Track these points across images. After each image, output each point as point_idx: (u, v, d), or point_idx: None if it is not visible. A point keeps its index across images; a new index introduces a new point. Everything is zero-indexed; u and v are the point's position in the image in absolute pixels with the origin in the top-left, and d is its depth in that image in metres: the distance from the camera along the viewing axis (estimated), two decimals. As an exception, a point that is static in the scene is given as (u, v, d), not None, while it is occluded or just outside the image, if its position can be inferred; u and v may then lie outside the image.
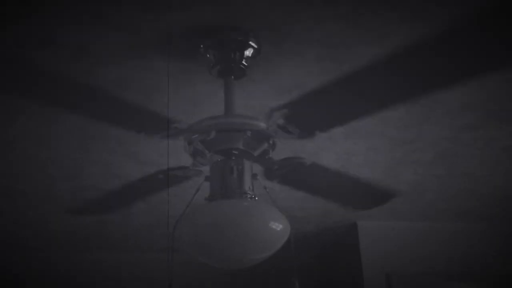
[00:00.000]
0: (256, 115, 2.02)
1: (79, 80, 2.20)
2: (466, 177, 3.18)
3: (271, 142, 1.91)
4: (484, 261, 3.83)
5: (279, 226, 1.78)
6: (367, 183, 2.40)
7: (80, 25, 1.89)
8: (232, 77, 1.99)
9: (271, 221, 1.78)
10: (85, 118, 2.32)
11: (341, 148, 2.80)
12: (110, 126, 1.89)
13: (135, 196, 2.42)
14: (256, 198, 1.87)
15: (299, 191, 2.39)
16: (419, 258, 3.78)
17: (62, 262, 4.25)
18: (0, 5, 1.79)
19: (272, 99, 2.36)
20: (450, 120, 2.58)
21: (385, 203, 2.54)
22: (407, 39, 2.02)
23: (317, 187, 2.29)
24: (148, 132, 1.91)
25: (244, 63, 1.97)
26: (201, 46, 1.96)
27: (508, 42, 2.05)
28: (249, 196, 1.85)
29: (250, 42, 1.95)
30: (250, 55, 1.97)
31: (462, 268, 3.79)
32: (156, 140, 2.65)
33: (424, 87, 1.78)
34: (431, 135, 2.71)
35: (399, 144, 2.79)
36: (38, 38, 1.95)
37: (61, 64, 2.09)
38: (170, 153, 2.78)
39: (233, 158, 1.88)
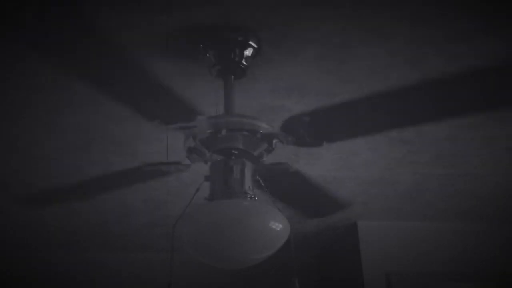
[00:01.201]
0: (255, 115, 2.02)
1: (79, 80, 2.21)
2: (466, 177, 3.18)
3: (274, 145, 1.91)
4: (484, 261, 3.83)
5: (279, 226, 1.78)
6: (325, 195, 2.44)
7: (80, 26, 1.88)
8: (232, 77, 1.99)
9: (271, 221, 1.78)
10: (85, 117, 2.33)
11: (341, 148, 2.80)
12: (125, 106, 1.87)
13: (116, 185, 2.42)
14: (256, 198, 1.87)
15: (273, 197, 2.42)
16: (419, 258, 3.78)
17: (62, 262, 4.25)
18: (0, 5, 1.79)
19: (272, 99, 2.36)
20: (450, 120, 2.58)
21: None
22: (407, 39, 2.02)
23: (284, 193, 2.30)
24: (162, 121, 1.90)
25: (244, 63, 1.97)
26: (201, 46, 1.96)
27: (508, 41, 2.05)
28: (249, 196, 1.85)
29: (250, 42, 1.95)
30: (250, 55, 1.97)
31: (462, 268, 3.79)
32: (155, 140, 2.66)
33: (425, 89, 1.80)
34: (431, 135, 2.71)
35: (399, 144, 2.79)
36: (38, 38, 1.94)
37: (60, 65, 2.09)
38: (169, 153, 2.78)
39: (233, 158, 1.88)
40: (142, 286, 4.26)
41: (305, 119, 1.80)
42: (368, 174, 3.10)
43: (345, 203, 2.72)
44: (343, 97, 2.34)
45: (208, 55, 1.96)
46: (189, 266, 4.19)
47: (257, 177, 1.92)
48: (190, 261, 4.26)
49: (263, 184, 1.91)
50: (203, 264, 1.91)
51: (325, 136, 1.90)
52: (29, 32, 1.92)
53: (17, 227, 3.75)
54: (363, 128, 1.90)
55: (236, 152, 1.89)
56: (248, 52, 1.97)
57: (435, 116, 1.96)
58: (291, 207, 2.44)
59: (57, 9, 1.81)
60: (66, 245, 4.13)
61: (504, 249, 3.88)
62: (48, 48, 2.01)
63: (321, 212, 2.64)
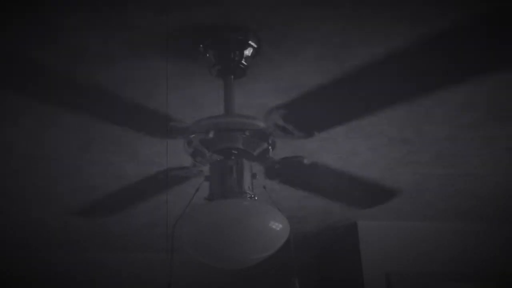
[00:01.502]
0: (254, 115, 2.02)
1: (78, 80, 2.21)
2: (466, 177, 3.18)
3: (270, 141, 1.91)
4: (484, 261, 3.83)
5: (278, 226, 1.78)
6: (368, 181, 2.39)
7: (79, 25, 1.89)
8: (232, 76, 1.99)
9: (271, 221, 1.78)
10: (84, 117, 2.33)
11: (341, 148, 2.80)
12: (111, 125, 1.89)
13: (135, 198, 2.42)
14: (256, 198, 1.87)
15: (300, 190, 2.39)
16: (419, 258, 3.78)
17: (62, 262, 4.25)
18: (0, 5, 1.79)
19: (272, 99, 2.36)
20: (450, 120, 2.58)
21: (386, 202, 2.52)
22: (407, 39, 2.02)
23: (318, 186, 2.28)
24: (148, 132, 1.91)
25: (244, 62, 1.97)
26: (201, 45, 1.96)
27: (508, 43, 2.05)
28: (248, 196, 1.85)
29: (250, 42, 1.95)
30: (249, 54, 1.97)
31: (462, 268, 3.79)
32: (155, 140, 2.66)
33: (424, 87, 1.78)
34: (431, 135, 2.71)
35: (399, 144, 2.79)
36: (38, 38, 1.95)
37: (60, 64, 2.09)
38: (169, 153, 2.78)
39: (233, 157, 1.88)
40: (142, 286, 4.26)
41: (281, 112, 1.80)
42: (368, 174, 3.10)
43: (396, 190, 2.64)
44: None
45: (208, 55, 1.96)
46: (189, 266, 4.19)
47: (263, 186, 1.92)
48: (190, 261, 4.25)
49: (268, 194, 1.91)
50: (203, 264, 1.91)
51: (312, 126, 1.88)
52: (29, 31, 1.92)
53: (17, 227, 3.75)
54: (349, 111, 1.86)
55: (235, 151, 1.89)
56: (248, 52, 1.97)
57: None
58: (334, 200, 2.42)
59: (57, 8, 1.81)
60: (66, 245, 4.13)
61: (504, 249, 3.88)
62: (49, 49, 2.01)
63: (374, 200, 2.57)
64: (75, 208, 3.46)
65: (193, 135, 1.89)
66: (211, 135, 1.86)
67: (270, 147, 1.93)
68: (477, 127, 2.66)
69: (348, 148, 2.81)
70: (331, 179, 2.25)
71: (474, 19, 1.94)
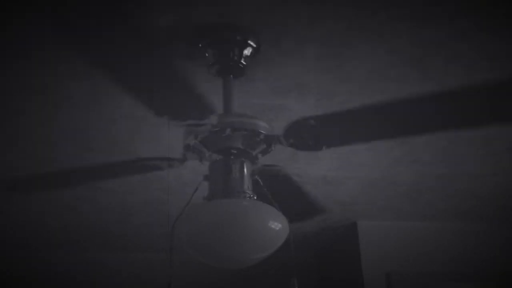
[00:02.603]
0: (254, 115, 2.02)
1: (78, 80, 2.21)
2: (466, 177, 3.18)
3: (272, 147, 1.91)
4: (484, 261, 3.83)
5: (278, 226, 1.78)
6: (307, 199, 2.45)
7: (79, 25, 1.88)
8: (231, 76, 1.99)
9: (271, 221, 1.78)
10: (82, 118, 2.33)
11: (341, 148, 2.80)
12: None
13: (110, 175, 2.42)
14: (255, 198, 1.87)
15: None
16: (419, 258, 3.78)
17: (62, 262, 4.25)
18: (0, 5, 1.80)
19: (271, 98, 2.36)
20: (450, 120, 2.58)
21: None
22: (407, 39, 2.02)
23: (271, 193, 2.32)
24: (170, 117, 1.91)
25: (243, 62, 1.97)
26: (200, 45, 1.96)
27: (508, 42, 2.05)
28: (248, 195, 1.85)
29: (249, 41, 1.95)
30: (249, 54, 1.97)
31: (462, 268, 3.79)
32: (154, 139, 2.66)
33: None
34: (429, 134, 2.70)
35: (398, 144, 2.79)
36: (37, 37, 1.95)
37: (60, 64, 2.10)
38: (167, 150, 2.78)
39: (232, 157, 1.88)
40: (142, 286, 4.26)
41: (311, 123, 1.80)
42: (368, 174, 3.10)
43: (324, 208, 2.70)
44: (343, 97, 2.35)
45: (207, 54, 1.96)
46: (189, 266, 4.19)
47: (256, 177, 1.92)
48: (190, 261, 4.25)
49: (261, 184, 1.91)
50: (203, 264, 1.91)
51: (325, 140, 1.90)
52: (29, 32, 1.92)
53: (17, 227, 3.75)
54: (362, 134, 1.90)
55: (235, 151, 1.89)
56: (247, 51, 1.97)
57: (437, 127, 1.96)
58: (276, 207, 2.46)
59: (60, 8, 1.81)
60: (66, 245, 4.13)
61: (504, 249, 3.88)
62: (49, 48, 2.01)
63: (301, 215, 2.64)
64: (75, 206, 3.46)
65: (192, 135, 1.89)
66: (210, 134, 1.86)
67: (270, 148, 1.93)
68: (477, 127, 2.65)
69: (348, 148, 2.80)
70: (285, 190, 2.29)
71: (474, 19, 1.94)
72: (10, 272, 4.16)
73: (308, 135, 1.84)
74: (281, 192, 2.24)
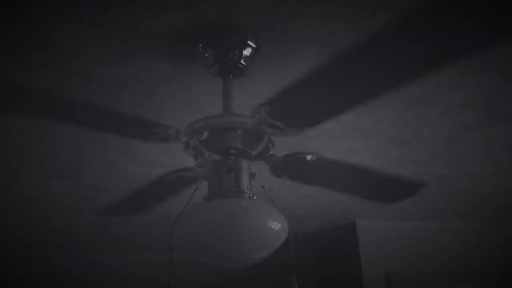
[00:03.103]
0: (247, 113, 2.01)
1: (78, 80, 2.21)
2: (466, 177, 3.18)
3: (265, 139, 1.91)
4: (484, 261, 3.83)
5: (277, 226, 1.78)
6: (388, 175, 2.24)
7: (78, 25, 1.89)
8: (231, 76, 1.99)
9: (270, 221, 1.77)
10: (79, 127, 2.33)
11: (340, 148, 2.80)
12: (105, 133, 1.88)
13: (149, 202, 2.41)
14: (254, 198, 1.87)
15: (308, 185, 2.31)
16: (419, 258, 3.78)
17: (62, 262, 4.25)
18: (0, 5, 1.80)
19: (271, 98, 2.36)
20: (449, 119, 2.58)
21: (414, 194, 2.39)
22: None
23: (325, 180, 2.23)
24: (143, 139, 1.90)
25: (243, 62, 1.97)
26: (200, 45, 1.96)
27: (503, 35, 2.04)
28: (247, 195, 1.85)
29: (249, 41, 1.95)
30: (248, 54, 1.97)
31: (461, 268, 3.80)
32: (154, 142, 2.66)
33: (414, 71, 1.77)
34: (430, 134, 2.71)
35: (398, 144, 2.80)
36: (36, 37, 1.95)
37: (59, 64, 2.10)
38: (167, 153, 2.78)
39: (231, 157, 1.88)
40: (142, 286, 4.27)
41: (265, 109, 1.79)
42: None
43: (419, 184, 2.44)
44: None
45: (206, 55, 1.96)
46: (189, 266, 4.19)
47: (262, 186, 1.92)
48: (190, 261, 4.26)
49: (267, 194, 1.91)
50: (203, 264, 1.92)
51: (302, 121, 1.87)
52: (29, 31, 1.92)
53: (17, 227, 3.75)
54: (337, 104, 1.83)
55: (234, 151, 1.89)
56: (246, 51, 1.97)
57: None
58: (357, 196, 2.32)
59: (58, 8, 1.81)
60: (66, 245, 4.14)
61: (504, 249, 3.88)
62: (49, 48, 2.02)
63: (396, 196, 2.44)
64: (76, 206, 3.46)
65: (191, 135, 1.89)
66: (210, 134, 1.86)
67: (270, 145, 1.93)
68: (477, 127, 2.66)
69: (347, 148, 2.81)
70: (345, 174, 2.19)
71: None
72: (10, 272, 4.17)
73: (278, 120, 1.82)
74: (340, 176, 2.16)
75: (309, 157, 2.03)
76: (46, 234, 3.89)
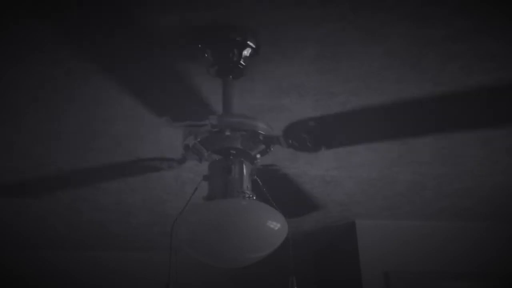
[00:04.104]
0: (253, 115, 2.02)
1: (78, 80, 2.22)
2: (464, 176, 3.19)
3: (271, 148, 1.92)
4: (483, 261, 3.84)
5: (276, 225, 1.79)
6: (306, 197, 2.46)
7: (78, 25, 1.89)
8: (231, 76, 2.00)
9: (269, 220, 1.78)
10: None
11: (339, 148, 2.80)
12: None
13: (110, 177, 2.43)
14: (254, 198, 1.88)
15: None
16: (418, 257, 3.79)
17: (62, 262, 4.26)
18: (0, 5, 1.80)
19: (270, 99, 2.37)
20: (449, 120, 2.59)
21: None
22: (405, 39, 2.03)
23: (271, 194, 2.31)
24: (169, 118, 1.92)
25: (243, 62, 1.97)
26: (200, 45, 1.96)
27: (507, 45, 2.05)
28: (247, 195, 1.86)
29: (249, 42, 1.96)
30: (248, 54, 1.97)
31: (460, 267, 3.80)
32: (154, 139, 2.67)
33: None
34: (428, 135, 2.71)
35: (397, 144, 2.80)
36: (37, 38, 1.95)
37: (60, 65, 2.10)
38: (168, 150, 2.79)
39: (231, 157, 1.89)
40: (142, 286, 4.27)
41: (310, 124, 1.81)
42: (366, 173, 3.11)
43: (321, 205, 2.63)
44: (342, 98, 2.35)
45: (206, 55, 1.97)
46: (189, 266, 4.19)
47: (255, 177, 1.93)
48: (190, 261, 4.26)
49: (260, 184, 1.91)
50: (203, 264, 1.92)
51: (324, 141, 1.90)
52: (29, 32, 1.93)
53: (17, 227, 3.75)
54: (361, 135, 1.90)
55: (234, 152, 1.89)
56: (246, 52, 1.97)
57: (435, 128, 1.96)
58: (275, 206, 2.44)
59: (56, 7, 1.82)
60: (66, 244, 4.14)
61: (503, 249, 3.89)
62: (49, 49, 2.02)
63: (297, 212, 2.65)
64: (75, 206, 3.46)
65: (192, 136, 1.89)
66: (210, 135, 1.87)
67: (266, 151, 1.94)
68: (475, 128, 2.66)
69: (347, 148, 2.81)
70: (283, 191, 2.29)
71: (473, 19, 1.94)
72: (10, 272, 4.17)
73: (307, 136, 1.85)
74: (279, 190, 2.24)
75: (277, 171, 2.06)
76: (46, 233, 3.89)
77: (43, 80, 2.20)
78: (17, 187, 3.14)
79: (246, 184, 1.88)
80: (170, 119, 1.88)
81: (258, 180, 1.93)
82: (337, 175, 3.11)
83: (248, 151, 1.91)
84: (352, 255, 3.81)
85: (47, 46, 2.01)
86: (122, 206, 3.47)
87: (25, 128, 2.54)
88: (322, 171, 3.05)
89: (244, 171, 1.90)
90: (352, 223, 3.83)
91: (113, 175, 2.38)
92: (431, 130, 2.00)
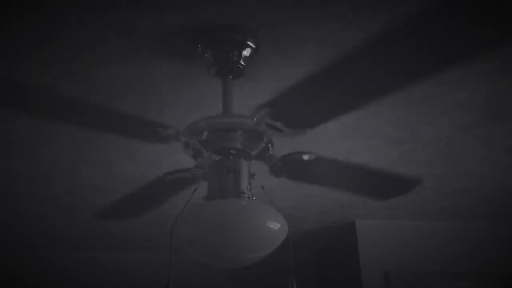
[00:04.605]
0: (247, 114, 2.02)
1: (78, 80, 2.22)
2: (464, 176, 3.19)
3: (265, 140, 1.91)
4: (483, 261, 3.84)
5: (276, 226, 1.79)
6: (385, 172, 2.25)
7: (78, 25, 1.89)
8: (230, 76, 2.00)
9: (269, 220, 1.78)
10: (78, 126, 2.33)
11: (339, 148, 2.81)
12: (104, 133, 1.87)
13: (150, 202, 2.41)
14: (254, 198, 1.88)
15: (307, 184, 2.31)
16: (418, 257, 3.79)
17: (62, 262, 4.26)
18: (0, 5, 1.80)
19: (270, 99, 2.36)
20: (449, 119, 2.59)
21: (410, 191, 2.40)
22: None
23: (325, 179, 2.23)
24: (143, 138, 1.91)
25: (242, 62, 1.97)
26: (199, 45, 1.96)
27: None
28: (246, 195, 1.86)
29: (248, 42, 1.96)
30: (248, 55, 1.97)
31: (460, 267, 3.80)
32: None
33: (413, 74, 1.77)
34: (429, 134, 2.71)
35: (397, 144, 2.80)
36: (37, 38, 1.95)
37: (59, 65, 2.10)
38: (168, 154, 2.79)
39: (231, 157, 1.89)
40: (142, 286, 4.27)
41: (266, 110, 1.80)
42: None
43: (415, 180, 2.44)
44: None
45: (206, 55, 1.97)
46: (189, 266, 4.20)
47: (261, 186, 1.92)
48: (190, 261, 4.27)
49: (266, 193, 1.91)
50: (203, 264, 1.92)
51: (303, 123, 1.87)
52: (29, 31, 1.93)
53: (17, 227, 3.76)
54: (337, 106, 1.84)
55: (233, 151, 1.89)
56: (246, 52, 1.97)
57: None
58: (357, 193, 2.33)
59: (57, 8, 1.82)
60: (66, 244, 4.14)
61: (503, 249, 3.89)
62: (48, 48, 2.02)
63: (392, 192, 2.45)
64: (76, 206, 3.47)
65: (191, 135, 1.89)
66: (209, 135, 1.87)
67: (269, 146, 1.93)
68: (476, 126, 2.66)
69: (347, 148, 2.81)
70: (344, 173, 2.20)
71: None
72: (10, 272, 4.17)
73: (272, 122, 1.83)
74: (339, 174, 2.17)
75: (306, 157, 2.03)
76: (46, 233, 3.89)
77: (43, 80, 2.20)
78: (17, 187, 3.15)
79: (246, 184, 1.88)
80: (170, 119, 1.86)
81: (263, 189, 1.93)
82: (337, 175, 3.11)
83: (248, 151, 1.91)
84: (352, 255, 3.81)
85: (47, 46, 2.01)
86: (122, 206, 3.47)
87: (25, 128, 2.54)
88: (322, 171, 3.05)
89: (244, 171, 1.90)
90: (352, 223, 3.84)
91: (151, 200, 2.36)
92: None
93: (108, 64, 2.11)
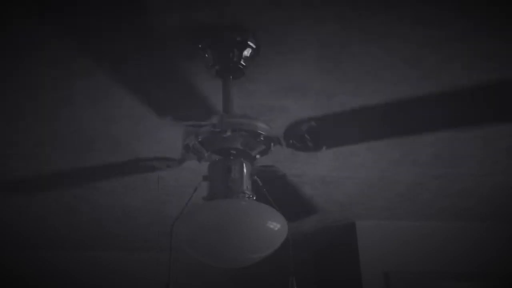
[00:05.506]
0: (253, 115, 2.02)
1: (78, 80, 2.22)
2: (464, 176, 3.19)
3: (271, 148, 1.92)
4: (483, 261, 3.84)
5: (276, 226, 1.79)
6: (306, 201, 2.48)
7: (78, 25, 1.89)
8: (231, 77, 2.00)
9: (269, 220, 1.78)
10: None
11: (340, 148, 2.81)
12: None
13: (107, 176, 2.43)
14: (254, 198, 1.88)
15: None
16: (418, 257, 3.79)
17: (62, 262, 4.26)
18: (0, 5, 1.80)
19: (271, 99, 2.37)
20: (448, 120, 2.59)
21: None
22: (406, 40, 2.03)
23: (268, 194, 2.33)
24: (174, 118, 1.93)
25: (243, 63, 1.97)
26: (200, 45, 1.96)
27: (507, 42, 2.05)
28: (247, 195, 1.86)
29: (249, 42, 1.96)
30: (248, 55, 1.97)
31: (460, 267, 3.80)
32: (155, 140, 2.67)
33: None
34: (429, 135, 2.71)
35: (397, 144, 2.80)
36: (37, 38, 1.95)
37: (60, 64, 2.10)
38: (168, 150, 2.79)
39: (231, 157, 1.89)
40: (142, 286, 4.27)
41: (311, 124, 1.80)
42: (367, 174, 3.11)
43: (319, 208, 2.62)
44: (342, 98, 2.35)
45: (206, 55, 1.97)
46: (189, 266, 4.20)
47: (255, 177, 1.92)
48: (190, 261, 4.27)
49: (260, 184, 1.91)
50: (203, 264, 1.92)
51: (324, 141, 1.90)
52: (29, 31, 1.93)
53: (17, 227, 3.76)
54: (361, 135, 1.90)
55: (234, 152, 1.89)
56: (246, 52, 1.97)
57: (435, 127, 1.96)
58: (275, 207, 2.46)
59: (57, 7, 1.82)
60: (66, 244, 4.14)
61: (503, 249, 3.89)
62: (49, 48, 2.02)
63: (297, 215, 2.65)
64: (76, 206, 3.47)
65: (191, 136, 1.89)
66: (210, 135, 1.87)
67: (266, 150, 1.94)
68: (475, 127, 2.66)
69: (347, 148, 2.81)
70: (280, 192, 2.29)
71: (473, 19, 1.94)
72: (10, 272, 4.17)
73: (307, 136, 1.84)
74: (278, 192, 2.24)
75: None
76: (46, 233, 3.89)
77: (43, 80, 2.20)
78: (17, 187, 3.14)
79: (246, 184, 1.88)
80: (172, 119, 1.88)
81: (258, 181, 1.93)
82: (337, 176, 3.11)
83: (248, 151, 1.91)
84: (352, 256, 3.81)
85: (47, 46, 2.01)
86: (122, 206, 3.47)
87: (25, 128, 2.54)
88: (322, 171, 3.05)
89: (244, 171, 1.90)
90: (352, 223, 3.84)
91: (112, 174, 2.38)
92: (431, 130, 2.00)
93: (108, 64, 2.10)
